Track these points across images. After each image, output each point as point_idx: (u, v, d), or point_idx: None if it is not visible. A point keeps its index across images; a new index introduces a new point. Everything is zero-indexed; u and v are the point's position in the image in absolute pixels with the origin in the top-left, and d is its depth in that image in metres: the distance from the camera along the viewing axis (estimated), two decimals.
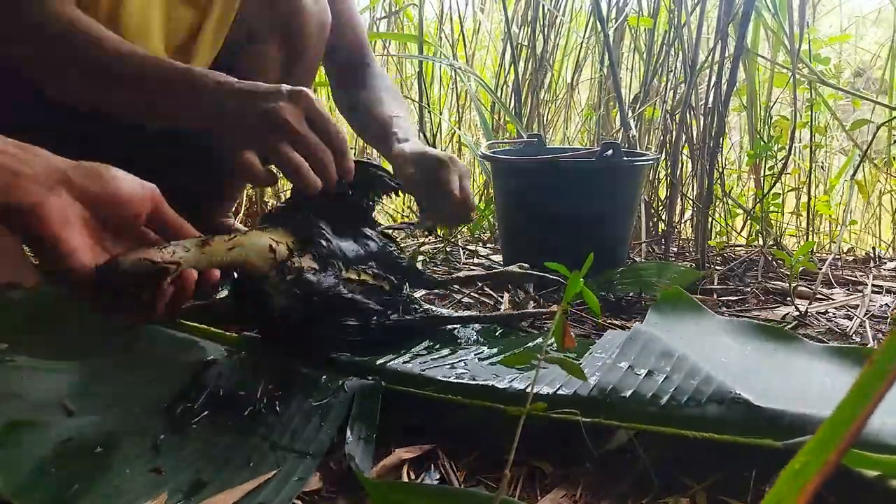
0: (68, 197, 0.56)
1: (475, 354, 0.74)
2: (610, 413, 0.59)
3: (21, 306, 0.84)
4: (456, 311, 0.98)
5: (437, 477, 0.58)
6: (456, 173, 0.92)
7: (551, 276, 0.93)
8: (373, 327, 0.75)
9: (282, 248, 0.69)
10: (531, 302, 1.00)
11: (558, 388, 0.62)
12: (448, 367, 0.70)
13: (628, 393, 0.61)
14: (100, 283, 0.57)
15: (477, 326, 0.86)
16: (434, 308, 1.01)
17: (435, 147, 2.02)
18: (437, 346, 0.78)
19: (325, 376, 0.68)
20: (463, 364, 0.70)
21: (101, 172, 0.58)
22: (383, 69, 1.20)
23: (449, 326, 0.84)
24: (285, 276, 0.69)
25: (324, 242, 0.73)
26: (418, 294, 1.09)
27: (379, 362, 0.71)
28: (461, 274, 1.29)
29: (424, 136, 1.98)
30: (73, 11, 0.79)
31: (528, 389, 0.57)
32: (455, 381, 0.66)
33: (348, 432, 0.59)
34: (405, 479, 0.57)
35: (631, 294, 1.10)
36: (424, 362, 0.71)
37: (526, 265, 0.94)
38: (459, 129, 2.18)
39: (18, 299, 0.84)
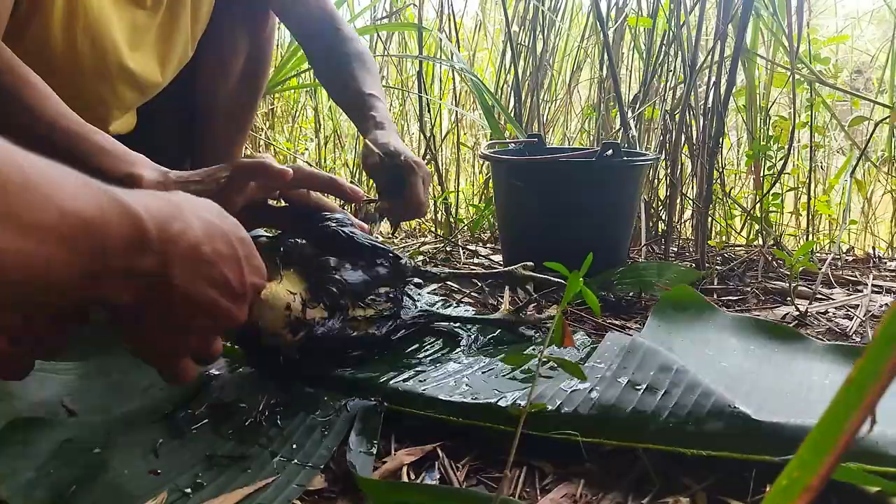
0: None
1: (478, 367, 0.74)
2: (610, 431, 0.60)
3: None
4: (457, 306, 0.98)
5: (437, 477, 0.58)
6: (420, 177, 0.96)
7: (554, 279, 0.93)
8: (375, 353, 0.75)
9: (297, 304, 0.67)
10: (531, 305, 0.99)
11: (560, 405, 0.62)
12: (450, 384, 0.69)
13: (628, 409, 0.61)
14: None
15: (478, 328, 0.86)
16: (433, 300, 1.01)
17: (436, 146, 2.02)
18: (439, 357, 0.78)
19: (326, 396, 0.68)
20: (465, 381, 0.70)
21: None
22: (352, 31, 1.18)
23: (451, 329, 0.84)
24: (297, 333, 0.67)
25: (335, 289, 0.71)
26: (420, 293, 1.08)
27: (381, 380, 0.70)
28: (464, 270, 1.30)
29: (424, 135, 1.98)
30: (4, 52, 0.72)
31: (530, 400, 0.57)
32: (457, 400, 0.66)
33: (349, 446, 0.59)
34: (405, 479, 0.57)
35: (631, 294, 1.10)
36: (426, 379, 0.71)
37: (530, 264, 0.93)
38: (459, 128, 2.18)
39: None
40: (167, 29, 1.02)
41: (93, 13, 0.88)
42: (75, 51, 0.87)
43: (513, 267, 0.93)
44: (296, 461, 0.58)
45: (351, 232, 0.77)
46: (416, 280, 0.90)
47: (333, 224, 0.76)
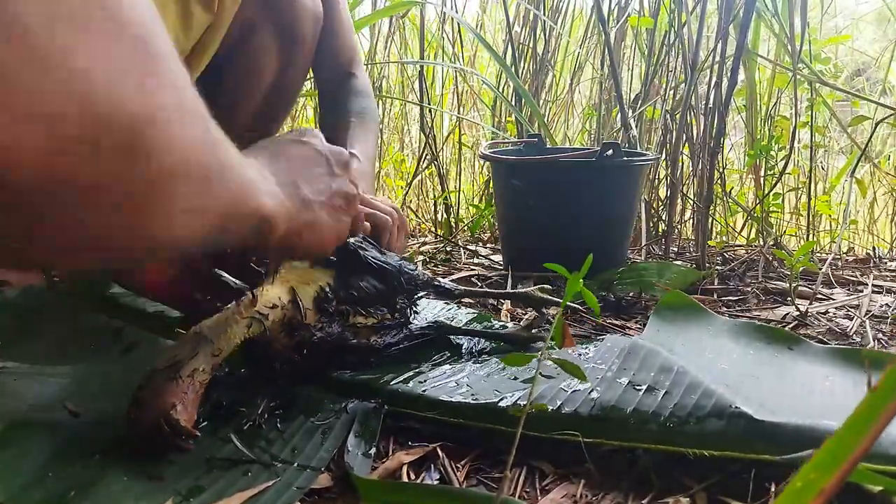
0: None
1: (478, 368, 0.74)
2: (611, 432, 0.60)
3: (9, 307, 0.83)
4: (458, 309, 0.98)
5: (437, 477, 0.58)
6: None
7: (573, 304, 0.93)
8: (372, 361, 0.76)
9: (287, 305, 0.67)
10: (541, 324, 0.98)
11: (560, 406, 0.62)
12: (451, 385, 0.69)
13: (629, 410, 0.61)
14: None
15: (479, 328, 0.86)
16: (434, 302, 1.01)
17: (436, 146, 2.02)
18: (440, 359, 0.78)
19: (326, 399, 0.68)
20: (466, 381, 0.70)
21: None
22: (367, 80, 1.19)
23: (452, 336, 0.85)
24: (293, 338, 0.67)
25: (333, 303, 0.71)
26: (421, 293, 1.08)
27: (381, 382, 0.71)
28: (461, 275, 1.29)
29: (425, 135, 1.98)
30: None
31: (530, 400, 0.57)
32: (457, 401, 0.66)
33: (347, 447, 0.59)
34: (405, 479, 0.57)
35: (631, 294, 1.10)
36: (425, 380, 0.71)
37: (548, 287, 0.93)
38: (460, 129, 2.18)
39: (7, 300, 0.84)
40: (210, 36, 1.02)
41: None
42: None
43: (530, 289, 0.94)
44: (296, 464, 0.57)
45: (358, 245, 0.77)
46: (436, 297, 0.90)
47: (350, 243, 0.77)
